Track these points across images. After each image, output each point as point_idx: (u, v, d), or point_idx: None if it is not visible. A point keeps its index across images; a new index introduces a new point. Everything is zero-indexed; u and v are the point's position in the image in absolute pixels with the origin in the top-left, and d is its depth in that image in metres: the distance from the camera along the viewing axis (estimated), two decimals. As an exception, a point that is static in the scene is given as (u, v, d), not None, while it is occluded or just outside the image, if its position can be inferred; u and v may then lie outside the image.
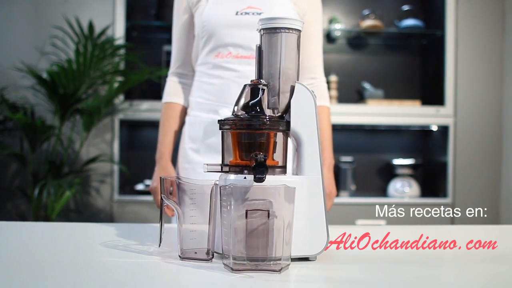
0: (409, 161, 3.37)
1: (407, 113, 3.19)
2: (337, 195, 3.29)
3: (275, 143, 0.94)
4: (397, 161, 3.38)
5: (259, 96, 0.94)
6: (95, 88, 2.99)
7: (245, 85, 0.96)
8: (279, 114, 0.96)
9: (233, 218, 0.84)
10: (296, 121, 0.94)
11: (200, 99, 1.51)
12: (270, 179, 0.88)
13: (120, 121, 3.04)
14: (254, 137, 0.92)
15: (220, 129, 0.95)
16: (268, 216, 0.83)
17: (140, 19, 3.29)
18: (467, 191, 3.22)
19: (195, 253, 0.93)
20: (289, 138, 0.97)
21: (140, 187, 3.10)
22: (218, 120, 0.95)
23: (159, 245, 0.96)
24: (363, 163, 3.44)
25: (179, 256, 0.93)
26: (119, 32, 3.03)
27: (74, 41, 2.86)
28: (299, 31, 0.97)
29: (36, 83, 2.81)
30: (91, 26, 2.90)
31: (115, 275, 0.83)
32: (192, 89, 1.55)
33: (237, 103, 0.95)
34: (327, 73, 3.35)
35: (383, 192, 3.44)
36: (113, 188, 3.04)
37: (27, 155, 2.85)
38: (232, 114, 0.95)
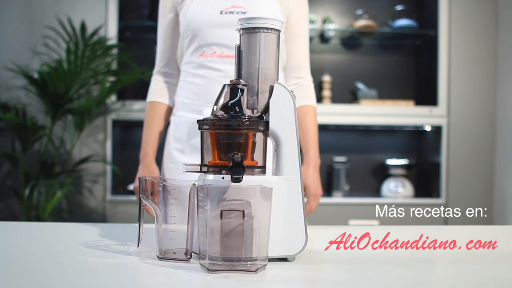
0: (402, 161, 3.37)
1: (400, 113, 3.19)
2: (331, 195, 3.30)
3: (254, 143, 0.94)
4: (390, 161, 3.38)
5: (238, 96, 0.94)
6: (88, 88, 2.98)
7: (224, 85, 0.95)
8: (258, 114, 0.96)
9: (209, 218, 0.83)
10: (274, 121, 0.93)
11: (185, 99, 1.51)
12: (248, 179, 0.88)
13: (112, 121, 3.04)
14: (232, 137, 0.92)
15: (199, 129, 0.94)
16: (243, 217, 0.83)
17: (133, 19, 3.29)
18: (460, 192, 3.22)
19: (174, 253, 0.93)
20: (269, 138, 0.97)
21: (133, 187, 3.09)
22: (197, 120, 0.94)
23: (138, 245, 0.96)
24: (356, 163, 3.44)
25: (157, 257, 0.92)
26: (111, 32, 3.02)
27: (66, 41, 2.85)
28: (279, 31, 0.97)
29: (28, 83, 2.81)
30: (83, 26, 2.90)
31: (91, 275, 0.82)
32: (177, 89, 1.55)
33: (216, 103, 0.95)
34: (320, 73, 3.38)
35: (377, 192, 3.44)
36: (105, 188, 3.04)
37: (18, 155, 2.84)
38: (212, 114, 0.95)
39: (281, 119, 0.94)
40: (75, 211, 3.00)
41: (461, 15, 3.22)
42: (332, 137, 3.45)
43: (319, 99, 3.35)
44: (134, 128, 3.26)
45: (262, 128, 0.93)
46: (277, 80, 0.97)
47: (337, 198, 3.25)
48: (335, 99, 3.37)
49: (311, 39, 3.41)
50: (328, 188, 3.40)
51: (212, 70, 1.46)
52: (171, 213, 0.96)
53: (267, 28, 0.95)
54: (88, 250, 1.00)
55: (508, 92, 3.16)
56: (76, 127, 2.86)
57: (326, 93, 3.31)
